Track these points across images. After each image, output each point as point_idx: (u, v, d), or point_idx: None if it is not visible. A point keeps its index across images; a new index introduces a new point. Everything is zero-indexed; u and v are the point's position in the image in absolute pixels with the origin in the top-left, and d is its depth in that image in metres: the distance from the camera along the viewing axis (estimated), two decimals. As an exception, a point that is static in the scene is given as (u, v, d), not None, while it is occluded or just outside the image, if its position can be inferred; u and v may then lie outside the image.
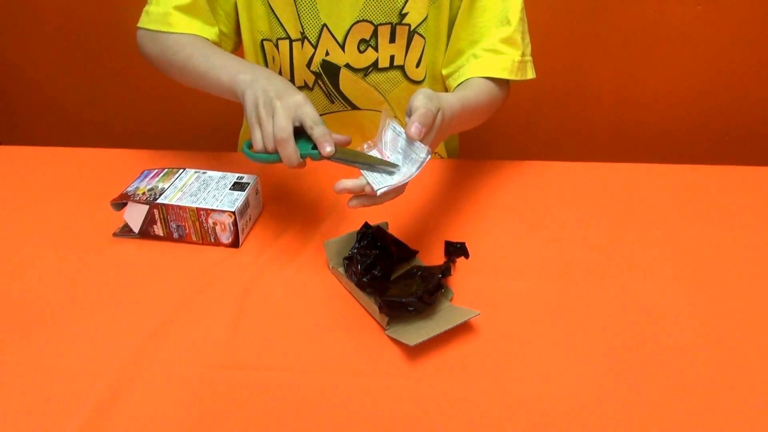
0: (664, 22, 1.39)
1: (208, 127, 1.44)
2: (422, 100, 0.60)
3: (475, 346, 0.58)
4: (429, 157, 0.58)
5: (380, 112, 0.89)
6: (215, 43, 0.84)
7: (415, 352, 0.57)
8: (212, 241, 0.72)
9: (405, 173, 0.59)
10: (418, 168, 0.59)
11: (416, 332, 0.58)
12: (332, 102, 0.89)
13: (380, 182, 0.59)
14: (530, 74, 0.84)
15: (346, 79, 0.86)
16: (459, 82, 0.81)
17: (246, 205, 0.72)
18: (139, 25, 0.84)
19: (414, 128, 0.58)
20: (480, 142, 1.57)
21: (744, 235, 0.73)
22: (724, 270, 0.68)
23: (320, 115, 0.88)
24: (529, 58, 0.84)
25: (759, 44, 1.41)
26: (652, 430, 0.50)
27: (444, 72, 0.87)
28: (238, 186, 0.73)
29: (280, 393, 0.54)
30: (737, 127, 1.52)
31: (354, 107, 0.89)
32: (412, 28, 0.82)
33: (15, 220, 0.78)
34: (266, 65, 0.89)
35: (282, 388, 0.54)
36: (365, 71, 0.86)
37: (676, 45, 1.42)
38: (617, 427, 0.51)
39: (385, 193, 0.59)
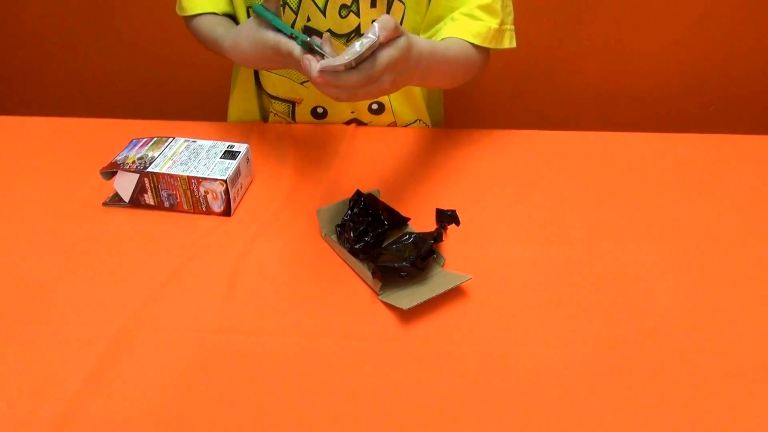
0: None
1: (195, 97, 1.43)
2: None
3: (467, 310, 0.60)
4: (375, 38, 0.55)
5: None
6: (230, 14, 0.86)
7: (408, 315, 0.58)
8: (204, 209, 0.72)
9: (351, 54, 0.56)
10: (361, 49, 0.55)
11: (409, 297, 0.59)
12: None
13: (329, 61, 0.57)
14: (508, 43, 0.84)
15: None
16: None
17: (237, 173, 0.72)
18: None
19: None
20: (468, 112, 1.58)
21: (729, 201, 0.75)
22: (710, 234, 0.69)
23: (303, 83, 0.89)
24: (509, 27, 0.83)
25: (746, 15, 1.42)
26: (642, 391, 0.52)
27: (422, 37, 0.86)
28: (229, 154, 0.73)
29: (275, 356, 0.55)
30: (723, 97, 1.54)
31: None
32: None
33: (3, 190, 0.77)
34: None
35: (277, 352, 0.55)
36: (348, 36, 0.85)
37: (663, 15, 1.43)
38: (608, 389, 0.52)
39: (331, 69, 0.56)
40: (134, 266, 0.65)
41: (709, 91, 1.53)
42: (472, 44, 0.80)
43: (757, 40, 1.45)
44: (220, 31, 0.80)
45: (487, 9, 0.80)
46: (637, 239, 0.69)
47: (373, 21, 0.59)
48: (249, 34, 0.69)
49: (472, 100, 1.55)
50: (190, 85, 1.53)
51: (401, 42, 0.59)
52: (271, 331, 0.57)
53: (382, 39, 0.56)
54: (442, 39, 0.80)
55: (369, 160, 0.83)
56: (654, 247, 0.68)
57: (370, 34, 0.56)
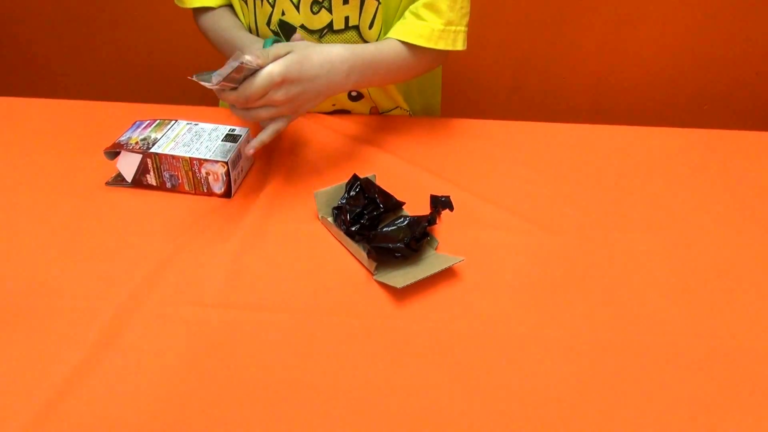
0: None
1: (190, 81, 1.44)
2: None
3: (459, 290, 0.62)
4: (237, 63, 0.61)
5: None
6: (227, 4, 0.90)
7: (401, 294, 0.60)
8: (204, 191, 0.74)
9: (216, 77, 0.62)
10: (219, 77, 0.62)
11: (403, 276, 0.61)
12: None
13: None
14: (459, 45, 0.83)
15: None
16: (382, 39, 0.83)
17: (238, 156, 0.74)
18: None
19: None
20: (465, 103, 1.60)
21: (719, 194, 0.77)
22: (699, 226, 0.71)
23: None
24: (460, 28, 0.83)
25: (741, 15, 1.43)
26: (630, 376, 0.54)
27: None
28: (230, 137, 0.75)
29: (273, 332, 0.57)
30: (716, 96, 1.56)
31: None
32: None
33: (8, 169, 0.79)
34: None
35: (275, 328, 0.57)
36: (320, 33, 0.85)
37: (660, 12, 1.44)
38: (596, 371, 0.54)
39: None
40: (135, 245, 0.67)
41: (702, 90, 1.55)
42: (418, 49, 0.81)
43: (752, 39, 1.47)
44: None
45: (430, 7, 0.80)
46: (628, 229, 0.71)
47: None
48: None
49: (469, 92, 1.57)
50: (183, 70, 1.55)
51: (288, 58, 0.66)
52: (269, 308, 0.59)
53: (259, 63, 0.64)
54: (383, 40, 0.82)
55: (366, 146, 0.84)
56: (644, 236, 0.70)
57: (231, 61, 0.61)
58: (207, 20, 0.90)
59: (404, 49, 0.81)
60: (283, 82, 0.66)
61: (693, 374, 0.54)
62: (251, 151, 0.70)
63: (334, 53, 0.73)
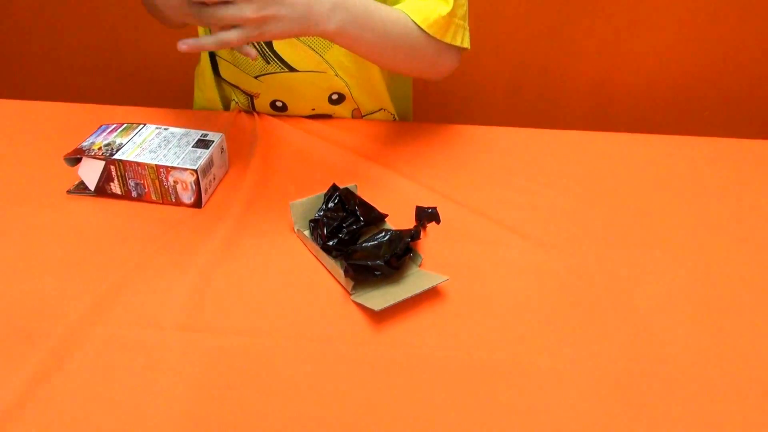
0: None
1: (171, 84, 1.39)
2: None
3: (443, 313, 0.57)
4: None
5: (320, 72, 0.84)
6: None
7: (380, 317, 0.55)
8: (173, 200, 0.69)
9: None
10: None
11: (382, 297, 0.56)
12: (268, 62, 0.84)
13: None
14: (465, 43, 0.79)
15: None
16: None
17: (210, 163, 0.69)
18: None
19: None
20: (458, 109, 1.55)
21: (719, 203, 0.73)
22: (698, 236, 0.67)
23: (257, 77, 0.85)
24: (461, 23, 0.78)
25: (742, 20, 1.40)
26: (637, 404, 0.49)
27: None
28: (201, 143, 0.70)
29: (241, 357, 0.52)
30: (717, 102, 1.52)
31: (291, 69, 0.84)
32: None
33: (-37, 174, 0.73)
34: None
35: (244, 353, 0.52)
36: None
37: (659, 18, 1.41)
38: (588, 395, 0.50)
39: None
40: (97, 258, 0.62)
41: (703, 96, 1.51)
42: (421, 29, 0.74)
43: (753, 45, 1.44)
44: None
45: None
46: (623, 241, 0.66)
47: None
48: None
49: (465, 99, 1.53)
50: (165, 73, 1.50)
51: None
52: (237, 331, 0.54)
53: None
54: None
55: (348, 153, 0.80)
56: (640, 249, 0.65)
57: None
58: None
59: (409, 25, 0.74)
60: None
61: (705, 399, 0.49)
62: (184, 47, 0.60)
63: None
